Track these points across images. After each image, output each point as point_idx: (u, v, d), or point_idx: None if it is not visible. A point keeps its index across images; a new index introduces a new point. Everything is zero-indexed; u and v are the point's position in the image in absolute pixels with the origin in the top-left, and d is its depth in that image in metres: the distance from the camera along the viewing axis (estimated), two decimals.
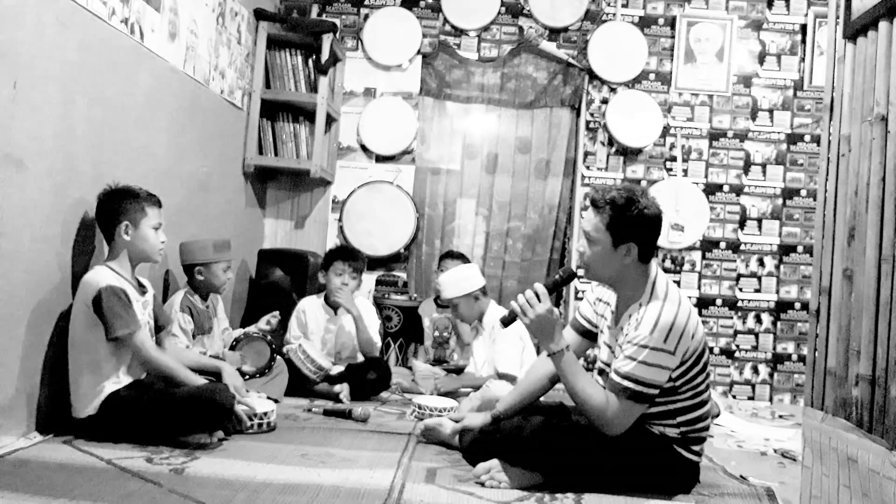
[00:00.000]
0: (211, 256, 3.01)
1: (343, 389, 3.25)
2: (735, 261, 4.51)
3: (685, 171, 4.51)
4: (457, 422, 2.48)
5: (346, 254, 3.55)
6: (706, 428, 2.17)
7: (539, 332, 2.10)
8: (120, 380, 2.36)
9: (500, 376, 3.14)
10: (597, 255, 2.10)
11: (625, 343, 2.06)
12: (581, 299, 4.45)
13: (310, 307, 3.56)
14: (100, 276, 2.34)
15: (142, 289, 2.50)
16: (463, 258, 4.00)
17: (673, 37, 4.53)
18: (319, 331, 3.52)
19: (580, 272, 2.25)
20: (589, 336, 2.35)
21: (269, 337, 3.11)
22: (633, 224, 2.05)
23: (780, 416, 3.84)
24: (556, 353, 2.10)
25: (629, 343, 2.03)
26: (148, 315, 2.50)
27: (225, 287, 3.12)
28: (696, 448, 2.14)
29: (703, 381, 2.11)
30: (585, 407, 2.07)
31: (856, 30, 1.82)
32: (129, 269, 2.45)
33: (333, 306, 3.51)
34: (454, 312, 3.32)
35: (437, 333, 3.92)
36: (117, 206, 2.41)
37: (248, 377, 3.00)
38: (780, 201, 4.52)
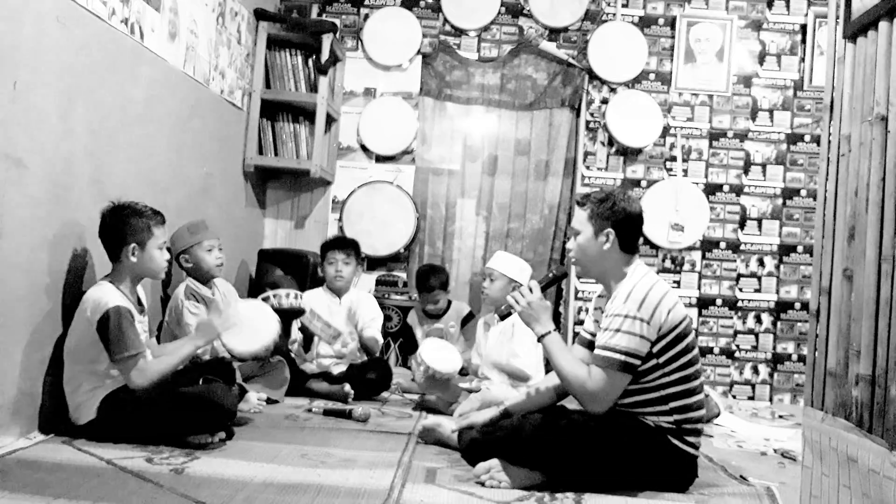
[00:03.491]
0: (188, 241, 2.98)
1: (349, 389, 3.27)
2: (735, 261, 4.51)
3: (685, 171, 4.51)
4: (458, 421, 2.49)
5: (335, 243, 3.66)
6: (701, 419, 2.20)
7: (529, 317, 2.27)
8: (116, 381, 2.34)
9: (512, 374, 3.16)
10: (582, 246, 2.27)
11: (603, 320, 2.19)
12: (580, 298, 4.50)
13: (313, 296, 3.59)
14: (107, 295, 2.30)
15: (140, 307, 2.47)
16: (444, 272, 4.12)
17: (673, 37, 4.53)
18: (323, 314, 3.51)
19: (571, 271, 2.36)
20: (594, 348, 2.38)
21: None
22: (610, 213, 2.23)
23: (780, 416, 3.85)
24: (544, 335, 2.23)
25: (606, 317, 2.18)
26: (145, 329, 2.48)
27: (219, 269, 3.05)
28: (691, 440, 2.16)
29: (690, 364, 2.16)
30: (568, 381, 2.18)
31: (856, 30, 1.81)
32: (130, 286, 2.43)
33: (336, 292, 3.61)
34: (485, 285, 3.36)
35: None
36: (125, 226, 2.37)
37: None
38: (780, 201, 4.52)
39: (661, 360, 2.13)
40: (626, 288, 2.17)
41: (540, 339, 2.25)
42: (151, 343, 2.56)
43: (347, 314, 3.55)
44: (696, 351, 2.20)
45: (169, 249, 3.00)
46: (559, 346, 2.23)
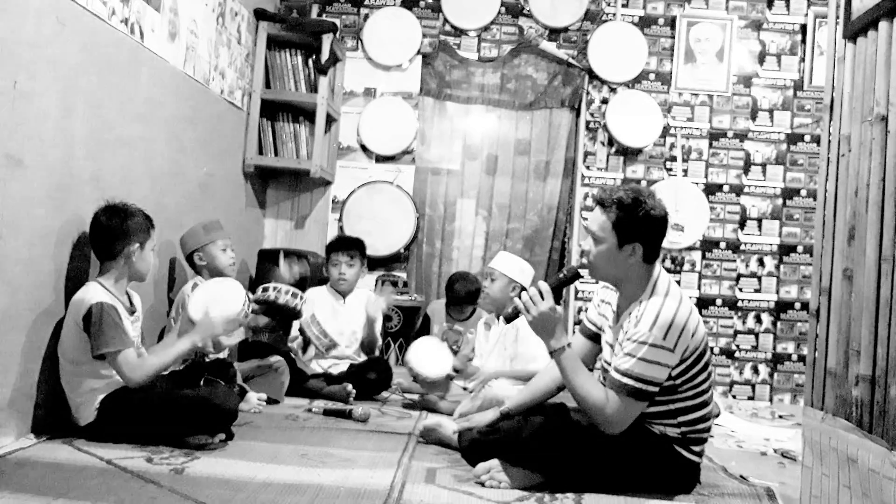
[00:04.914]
0: (203, 239, 3.01)
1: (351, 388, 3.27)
2: (735, 261, 4.51)
3: (685, 171, 4.51)
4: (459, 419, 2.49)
5: (338, 244, 3.64)
6: (707, 429, 2.16)
7: (541, 329, 2.11)
8: (115, 382, 2.32)
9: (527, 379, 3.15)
10: (602, 255, 2.10)
11: (624, 340, 2.07)
12: (580, 298, 4.50)
13: (317, 295, 3.60)
14: (90, 292, 2.30)
15: (132, 307, 2.47)
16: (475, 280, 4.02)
17: (673, 37, 4.53)
18: (327, 315, 3.53)
19: (583, 272, 2.24)
20: (597, 339, 2.34)
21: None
22: (639, 224, 2.05)
23: (780, 416, 3.85)
24: (556, 350, 2.11)
25: (629, 340, 2.04)
26: (136, 332, 2.47)
27: (232, 269, 3.05)
28: (696, 448, 2.14)
29: (705, 381, 2.11)
30: (585, 404, 2.08)
31: (856, 30, 1.82)
32: (122, 287, 2.42)
33: (340, 293, 3.60)
34: (485, 284, 3.31)
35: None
36: (126, 226, 2.37)
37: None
38: (780, 201, 4.52)
39: (679, 381, 2.06)
40: (653, 310, 2.01)
41: (552, 353, 2.12)
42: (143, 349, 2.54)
43: (349, 315, 3.55)
44: (710, 367, 2.13)
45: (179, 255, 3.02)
46: (574, 363, 2.10)
